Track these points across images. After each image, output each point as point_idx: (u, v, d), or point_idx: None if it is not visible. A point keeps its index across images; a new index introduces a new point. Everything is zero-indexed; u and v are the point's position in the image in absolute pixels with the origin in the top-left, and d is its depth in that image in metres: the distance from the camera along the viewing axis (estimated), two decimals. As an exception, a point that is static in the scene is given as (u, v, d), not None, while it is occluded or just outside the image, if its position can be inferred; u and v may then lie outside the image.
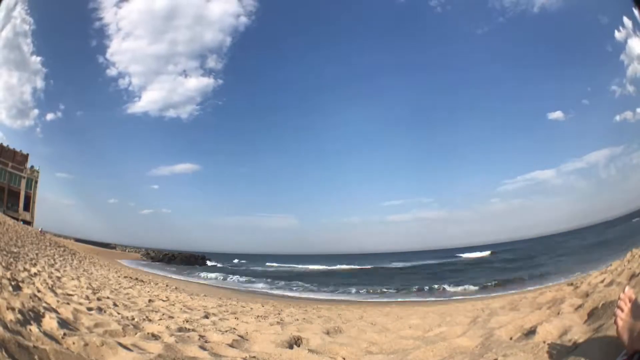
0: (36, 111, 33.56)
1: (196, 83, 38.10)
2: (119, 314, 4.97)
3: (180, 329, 4.31)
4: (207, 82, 37.72)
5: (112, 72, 35.94)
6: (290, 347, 3.80)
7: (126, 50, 36.34)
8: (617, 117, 30.51)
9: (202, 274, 26.68)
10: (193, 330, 4.39)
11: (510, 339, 3.39)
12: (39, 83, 32.58)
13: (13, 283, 4.83)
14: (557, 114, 34.77)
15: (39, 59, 31.44)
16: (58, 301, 4.65)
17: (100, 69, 35.50)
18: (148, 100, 37.53)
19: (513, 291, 12.80)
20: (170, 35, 36.64)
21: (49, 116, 34.79)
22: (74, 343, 2.65)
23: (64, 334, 2.78)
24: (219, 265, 38.04)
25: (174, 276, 23.80)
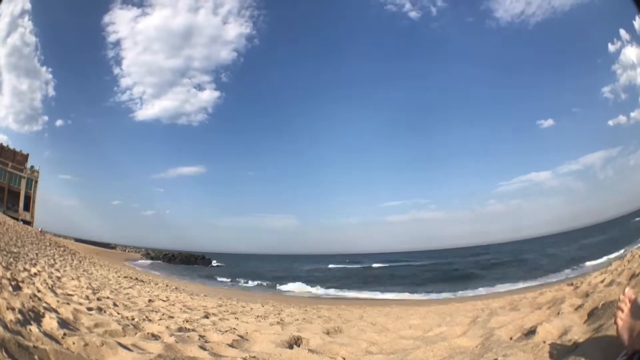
0: (45, 117, 33.67)
1: (209, 95, 38.99)
2: (119, 314, 4.96)
3: (180, 329, 4.30)
4: (219, 94, 38.62)
5: (127, 81, 36.43)
6: (290, 347, 3.80)
7: (143, 63, 37.08)
8: (610, 122, 30.86)
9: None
10: (193, 330, 4.39)
11: (510, 339, 3.39)
12: (51, 91, 32.73)
13: (13, 283, 4.83)
14: (548, 122, 35.10)
15: (50, 68, 31.53)
16: (58, 301, 4.65)
17: (116, 79, 36.04)
18: (161, 109, 38.35)
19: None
20: (187, 52, 37.64)
21: (59, 122, 34.98)
22: (74, 343, 2.65)
23: (64, 334, 2.77)
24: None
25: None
